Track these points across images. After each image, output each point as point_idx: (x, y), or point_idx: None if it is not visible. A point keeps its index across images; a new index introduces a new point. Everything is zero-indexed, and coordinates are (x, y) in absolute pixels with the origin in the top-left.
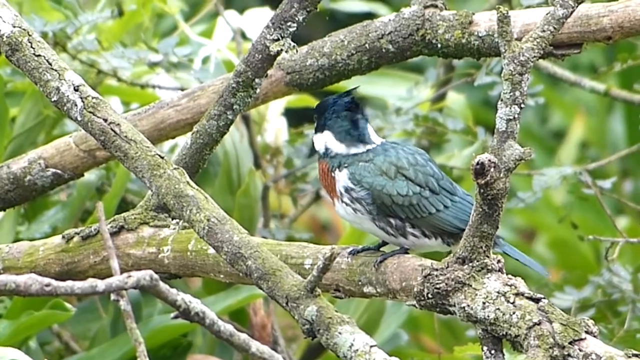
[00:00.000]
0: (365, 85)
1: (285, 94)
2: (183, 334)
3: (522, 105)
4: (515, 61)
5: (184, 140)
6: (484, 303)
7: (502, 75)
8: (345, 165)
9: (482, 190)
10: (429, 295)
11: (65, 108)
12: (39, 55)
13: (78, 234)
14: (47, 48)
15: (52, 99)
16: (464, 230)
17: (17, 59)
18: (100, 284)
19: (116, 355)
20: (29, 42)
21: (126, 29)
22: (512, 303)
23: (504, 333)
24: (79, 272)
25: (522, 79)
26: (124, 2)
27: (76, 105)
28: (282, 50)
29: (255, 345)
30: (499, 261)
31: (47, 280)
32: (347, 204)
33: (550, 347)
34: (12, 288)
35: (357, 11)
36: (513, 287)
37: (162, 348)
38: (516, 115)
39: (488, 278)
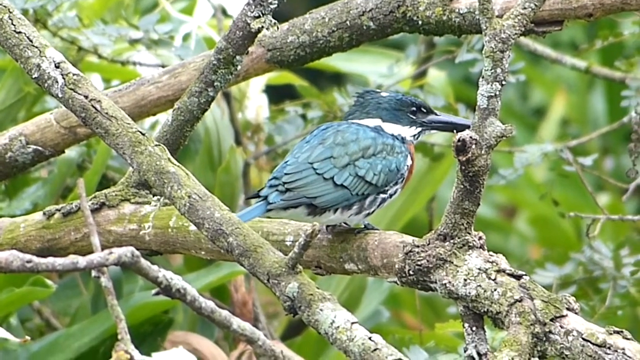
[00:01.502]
0: (346, 62)
1: (266, 71)
2: (164, 311)
3: (503, 83)
4: (497, 38)
5: (165, 117)
6: (465, 280)
7: (483, 52)
8: None
9: (463, 167)
10: (410, 272)
11: (46, 85)
12: (20, 32)
13: (59, 210)
14: (27, 25)
15: (33, 76)
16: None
17: None
18: (81, 261)
19: (97, 332)
20: (10, 19)
21: (107, 6)
22: (494, 280)
23: (485, 310)
24: (60, 248)
25: (503, 56)
26: None
27: (57, 82)
28: (263, 27)
29: (237, 322)
30: (480, 238)
31: (28, 256)
32: None
33: (531, 324)
34: None
35: None
36: (494, 264)
37: (143, 325)
38: (497, 92)
39: (469, 255)
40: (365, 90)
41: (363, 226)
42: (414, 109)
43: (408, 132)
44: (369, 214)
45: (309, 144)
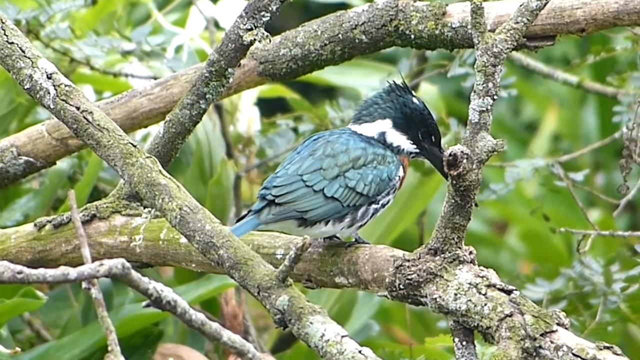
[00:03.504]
0: (338, 75)
1: (258, 83)
2: (154, 323)
3: (495, 97)
4: (489, 52)
5: (156, 129)
6: (455, 294)
7: (475, 66)
8: None
9: (454, 182)
10: (401, 286)
11: (38, 96)
12: (12, 43)
13: (50, 222)
14: (20, 36)
15: (25, 87)
16: None
17: None
18: (72, 272)
19: (87, 344)
20: (2, 29)
21: (99, 17)
22: (484, 294)
23: (476, 324)
24: (51, 260)
25: (495, 71)
26: None
27: (49, 93)
28: (255, 40)
29: (227, 335)
30: (470, 252)
31: (19, 267)
32: None
33: (521, 339)
34: None
35: (331, 1)
36: (485, 278)
37: (134, 337)
38: (489, 107)
39: (460, 269)
40: (401, 85)
41: (354, 240)
42: (426, 130)
43: (409, 146)
44: (361, 226)
45: (299, 155)
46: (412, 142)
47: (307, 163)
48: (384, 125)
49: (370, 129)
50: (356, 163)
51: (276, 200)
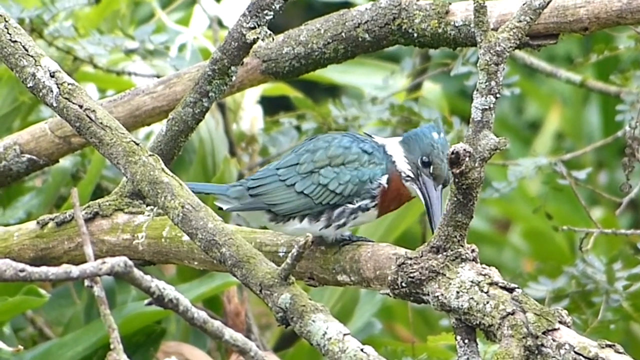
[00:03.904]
0: (341, 74)
1: (261, 82)
2: (157, 321)
3: (498, 95)
4: (492, 51)
5: (159, 128)
6: (457, 292)
7: (478, 65)
8: None
9: (457, 180)
10: (403, 284)
11: (41, 94)
12: (16, 41)
13: (53, 220)
14: (23, 34)
15: (28, 85)
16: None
17: None
18: (75, 270)
19: (90, 342)
20: (6, 28)
21: (103, 16)
22: (486, 292)
23: (478, 322)
24: (53, 258)
25: (498, 69)
26: None
27: (52, 91)
28: (258, 38)
29: (229, 333)
30: (473, 250)
31: (21, 265)
32: None
33: (523, 337)
34: None
35: (334, 0)
36: (487, 276)
37: (136, 335)
38: (492, 105)
39: (462, 267)
40: (440, 128)
41: (342, 239)
42: (427, 160)
43: (402, 164)
44: (340, 227)
45: (295, 152)
46: (407, 162)
47: (287, 158)
48: (395, 139)
49: (383, 139)
50: (334, 161)
51: (249, 192)
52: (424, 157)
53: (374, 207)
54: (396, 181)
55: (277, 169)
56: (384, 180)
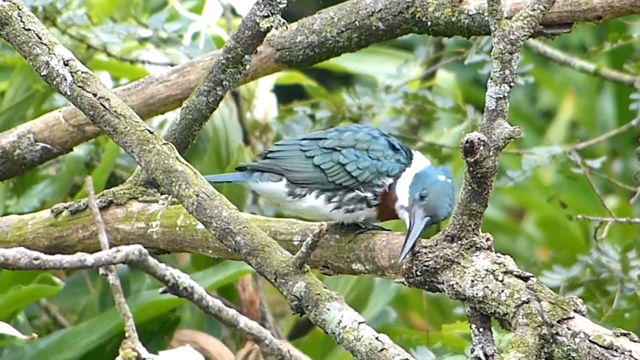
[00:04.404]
0: (355, 62)
1: (274, 70)
2: (171, 309)
3: (512, 84)
4: (505, 40)
5: (173, 116)
6: (472, 281)
7: (492, 53)
8: None
9: (471, 169)
10: (418, 273)
11: (54, 82)
12: (29, 30)
13: (67, 208)
14: (37, 22)
15: (42, 73)
16: None
17: (7, 32)
18: (89, 258)
19: (104, 330)
20: (19, 16)
21: (116, 4)
22: (501, 281)
23: (493, 311)
24: (68, 246)
25: (512, 58)
26: None
27: (66, 79)
28: (271, 26)
29: (244, 321)
30: (487, 239)
31: (35, 253)
32: None
33: (538, 326)
34: (1, 261)
35: None
36: (502, 265)
37: (151, 323)
38: (506, 94)
39: (477, 256)
40: (448, 174)
41: (364, 227)
42: (425, 195)
43: (403, 194)
44: (348, 212)
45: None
46: (408, 192)
47: (316, 133)
48: (418, 166)
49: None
50: (359, 144)
51: (267, 155)
52: (422, 192)
53: (375, 206)
54: (387, 197)
55: (303, 139)
56: (390, 181)
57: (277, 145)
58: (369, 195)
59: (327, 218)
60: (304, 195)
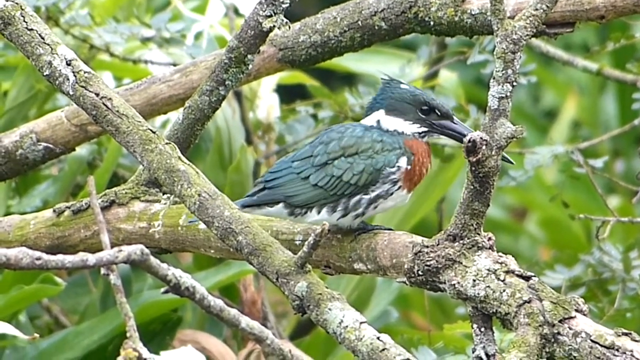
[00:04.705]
0: (357, 62)
1: (277, 70)
2: (173, 309)
3: (514, 84)
4: (508, 39)
5: (175, 116)
6: (474, 280)
7: (494, 53)
8: None
9: (473, 168)
10: (419, 272)
11: (57, 82)
12: (32, 30)
13: (69, 208)
14: (39, 22)
15: (44, 73)
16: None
17: (10, 32)
18: (91, 258)
19: (106, 330)
20: (22, 16)
21: (119, 4)
22: (503, 281)
23: (494, 311)
24: (70, 246)
25: (515, 57)
26: None
27: (68, 79)
28: (274, 26)
29: (245, 321)
30: (489, 239)
31: (37, 253)
32: None
33: (540, 325)
34: (3, 261)
35: None
36: (503, 264)
37: (152, 323)
38: (508, 94)
39: (478, 255)
40: (390, 79)
41: (362, 227)
42: (426, 108)
43: (409, 128)
44: (358, 216)
45: (311, 143)
46: (412, 123)
47: (302, 150)
48: (378, 115)
49: (369, 121)
50: (347, 151)
51: (265, 185)
52: (423, 107)
53: (398, 189)
54: (419, 148)
55: (292, 161)
56: (403, 162)
57: (269, 173)
58: (385, 187)
59: (336, 226)
60: (305, 212)
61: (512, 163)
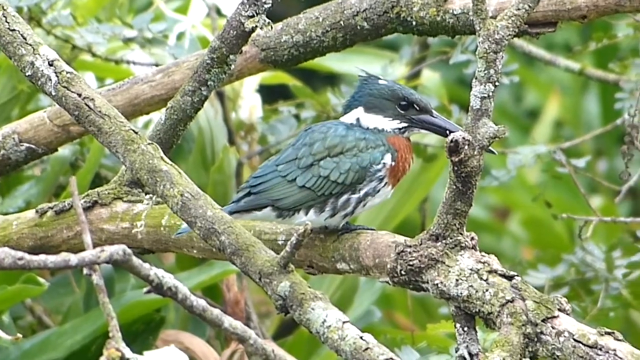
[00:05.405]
0: (339, 62)
1: (259, 70)
2: (156, 309)
3: (497, 84)
4: (490, 39)
5: (158, 116)
6: (457, 280)
7: (476, 53)
8: None
9: (456, 168)
10: (402, 272)
11: (39, 82)
12: (14, 30)
13: (52, 208)
14: (21, 23)
15: (27, 74)
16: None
17: None
18: (73, 258)
19: (89, 330)
20: (4, 16)
21: (101, 5)
22: (486, 280)
23: (477, 310)
24: (52, 246)
25: (497, 57)
26: None
27: (50, 79)
28: (256, 26)
29: (228, 321)
30: (472, 238)
31: (20, 253)
32: None
33: (523, 325)
34: None
35: None
36: (486, 264)
37: (135, 323)
38: (490, 93)
39: (461, 255)
40: (368, 76)
41: (345, 227)
42: (405, 103)
43: (389, 124)
44: (346, 215)
45: (293, 146)
46: (392, 119)
47: (286, 153)
48: (357, 112)
49: (348, 119)
50: (332, 151)
51: (251, 190)
52: (401, 102)
53: (384, 186)
54: (401, 144)
55: (277, 165)
56: (387, 159)
57: (254, 178)
58: (372, 185)
59: (324, 226)
60: (292, 214)
61: (494, 154)
